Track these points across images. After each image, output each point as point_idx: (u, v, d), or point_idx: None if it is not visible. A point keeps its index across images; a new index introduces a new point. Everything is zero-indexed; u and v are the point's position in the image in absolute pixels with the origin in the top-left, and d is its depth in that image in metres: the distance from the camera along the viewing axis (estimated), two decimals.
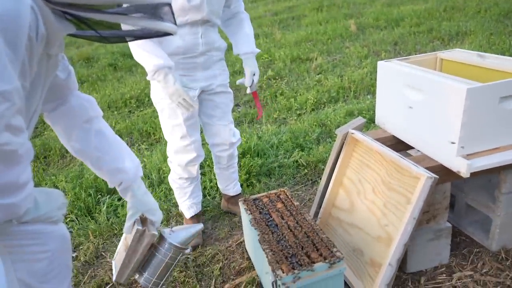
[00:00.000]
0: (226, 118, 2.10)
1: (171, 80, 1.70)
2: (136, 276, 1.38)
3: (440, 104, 1.61)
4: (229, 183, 2.33)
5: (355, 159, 1.98)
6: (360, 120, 2.13)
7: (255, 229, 1.70)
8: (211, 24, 1.85)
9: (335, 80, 4.60)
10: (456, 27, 6.12)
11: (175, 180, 2.12)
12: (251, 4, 11.18)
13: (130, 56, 6.76)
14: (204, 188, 2.64)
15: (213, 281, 1.90)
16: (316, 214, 2.12)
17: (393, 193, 1.70)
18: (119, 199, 2.61)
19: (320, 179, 2.16)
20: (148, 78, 1.74)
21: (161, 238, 1.36)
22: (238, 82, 2.10)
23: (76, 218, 2.50)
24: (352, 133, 1.97)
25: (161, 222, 2.34)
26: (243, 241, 2.10)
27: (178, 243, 1.36)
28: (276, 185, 2.68)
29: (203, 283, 1.90)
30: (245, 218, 1.87)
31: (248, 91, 2.09)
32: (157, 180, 2.78)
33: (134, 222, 1.33)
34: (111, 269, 2.04)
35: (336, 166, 2.03)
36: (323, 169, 2.29)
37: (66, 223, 2.48)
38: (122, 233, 1.42)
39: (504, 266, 1.77)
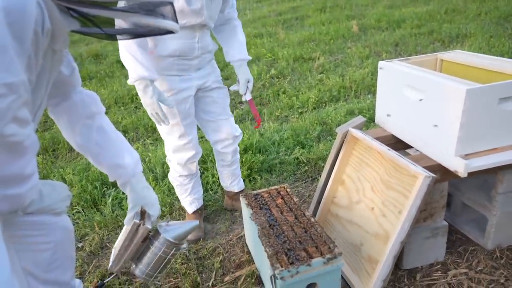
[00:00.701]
0: (226, 112, 2.08)
1: (149, 93, 1.69)
2: (132, 267, 1.39)
3: (439, 104, 1.58)
4: (233, 180, 2.30)
5: (355, 157, 1.96)
6: (360, 119, 2.11)
7: (255, 223, 1.69)
8: (207, 28, 1.83)
9: (336, 80, 4.57)
10: (456, 29, 6.06)
11: (175, 178, 2.10)
12: (256, 4, 11.12)
13: None
14: (206, 183, 2.63)
15: (214, 273, 1.89)
16: (315, 210, 2.10)
17: (391, 192, 1.68)
18: (124, 192, 2.60)
19: (320, 176, 2.15)
20: (128, 82, 1.73)
21: (157, 232, 1.36)
22: (231, 88, 2.07)
23: (82, 210, 2.50)
24: (352, 132, 1.95)
25: (164, 216, 2.35)
26: (244, 235, 2.09)
27: (172, 238, 1.35)
28: (277, 181, 2.67)
29: (203, 275, 1.89)
30: (246, 212, 1.86)
31: (244, 98, 2.07)
32: (161, 174, 2.78)
33: (134, 214, 1.33)
34: None
35: (336, 163, 2.01)
36: (323, 167, 2.27)
37: (73, 214, 2.48)
38: None
39: (499, 264, 1.75)
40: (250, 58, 2.06)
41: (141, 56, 1.64)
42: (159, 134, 3.64)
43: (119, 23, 0.99)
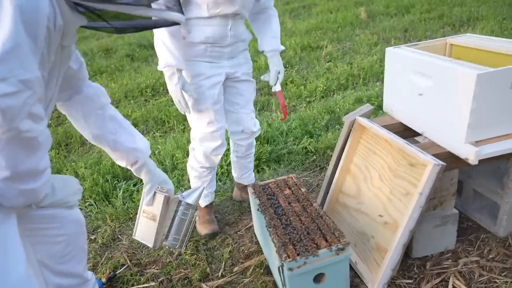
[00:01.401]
0: (249, 107, 2.04)
1: (174, 80, 1.72)
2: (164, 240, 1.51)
3: (449, 90, 1.52)
4: (245, 172, 2.27)
5: (362, 146, 1.91)
6: (367, 107, 2.05)
7: (263, 214, 1.66)
8: (240, 17, 1.79)
9: (344, 68, 4.48)
10: (467, 13, 5.87)
11: (195, 168, 2.03)
12: None
13: (146, 47, 6.75)
14: (216, 174, 2.61)
15: (223, 264, 1.88)
16: (324, 200, 2.07)
17: (399, 180, 1.63)
18: (134, 184, 2.61)
19: (328, 165, 2.10)
20: (158, 68, 1.75)
21: (178, 202, 1.51)
22: (262, 78, 2.04)
23: (95, 203, 2.51)
24: (359, 120, 1.89)
25: None
26: (252, 225, 2.08)
27: (192, 202, 1.51)
28: (285, 171, 2.64)
29: (213, 266, 1.88)
30: (253, 203, 1.83)
31: (274, 89, 2.02)
32: (170, 166, 2.77)
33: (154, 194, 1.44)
34: (127, 251, 2.05)
35: (343, 152, 1.96)
36: (331, 156, 2.23)
37: (85, 207, 2.50)
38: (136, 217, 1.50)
39: (511, 252, 1.70)
40: (283, 48, 2.01)
41: (171, 44, 1.66)
42: (168, 127, 3.65)
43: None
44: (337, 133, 2.96)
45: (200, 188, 1.59)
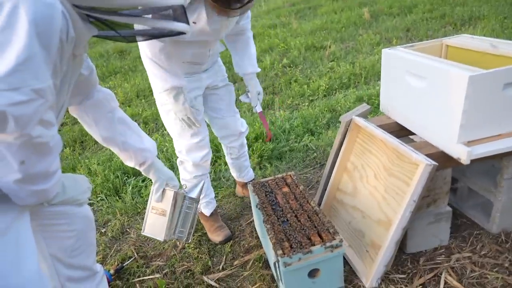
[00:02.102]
0: (232, 110, 2.01)
1: (181, 99, 1.66)
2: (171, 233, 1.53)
3: (442, 91, 1.48)
4: (243, 171, 2.25)
5: (359, 145, 1.89)
6: (364, 107, 2.02)
7: (261, 211, 1.65)
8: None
9: (347, 67, 4.42)
10: (469, 12, 5.72)
11: (188, 180, 1.95)
12: None
13: None
14: (219, 171, 2.62)
15: (224, 257, 1.88)
16: (322, 196, 2.05)
17: (393, 179, 1.60)
18: (143, 180, 2.62)
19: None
20: (159, 92, 1.69)
21: (183, 197, 1.54)
22: (241, 98, 2.00)
23: (106, 197, 2.53)
24: (356, 120, 1.86)
25: None
26: (253, 221, 2.07)
27: (196, 196, 1.55)
28: (286, 168, 2.62)
29: (215, 259, 1.89)
30: (253, 200, 1.83)
31: (255, 110, 2.00)
32: (177, 164, 2.77)
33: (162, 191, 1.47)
34: (134, 244, 2.06)
35: (340, 151, 1.94)
36: None
37: (97, 201, 2.52)
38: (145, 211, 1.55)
39: (504, 248, 1.66)
40: (260, 70, 1.97)
41: (168, 64, 1.60)
42: None
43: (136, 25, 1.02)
44: (337, 131, 2.91)
45: (201, 183, 1.61)
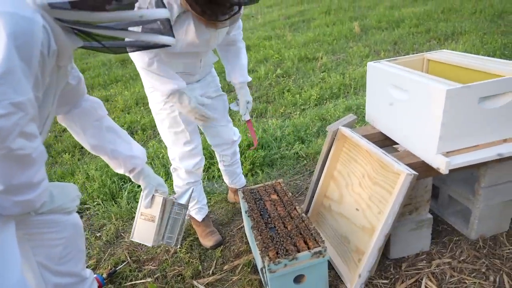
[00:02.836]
0: (225, 119, 1.98)
1: (186, 100, 1.59)
2: (159, 239, 1.50)
3: (422, 104, 1.48)
4: (235, 178, 2.23)
5: (345, 154, 1.88)
6: (351, 117, 2.02)
7: (249, 217, 1.64)
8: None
9: (337, 78, 4.43)
10: (452, 28, 5.77)
11: (181, 186, 1.92)
12: (267, 9, 10.90)
13: None
14: (212, 177, 2.60)
15: (214, 262, 1.85)
16: (310, 203, 2.03)
17: (377, 187, 1.59)
18: (139, 186, 2.59)
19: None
20: (163, 99, 1.66)
21: (172, 203, 1.51)
22: (231, 106, 1.98)
23: (102, 202, 2.50)
24: (342, 130, 1.86)
25: None
26: (243, 226, 2.05)
27: (185, 202, 1.52)
28: (277, 175, 2.61)
29: (205, 264, 1.86)
30: (243, 206, 1.81)
31: (243, 119, 1.99)
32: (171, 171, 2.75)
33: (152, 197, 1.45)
34: (128, 248, 2.03)
35: (327, 160, 1.93)
36: None
37: (94, 206, 2.49)
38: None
39: (481, 254, 1.65)
40: (250, 79, 1.95)
41: (163, 71, 1.53)
42: None
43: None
44: None
45: (190, 190, 1.57)
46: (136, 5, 0.93)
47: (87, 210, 2.48)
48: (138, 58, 1.53)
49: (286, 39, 6.83)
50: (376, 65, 1.82)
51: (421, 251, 1.73)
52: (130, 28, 0.97)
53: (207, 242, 1.96)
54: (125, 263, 1.91)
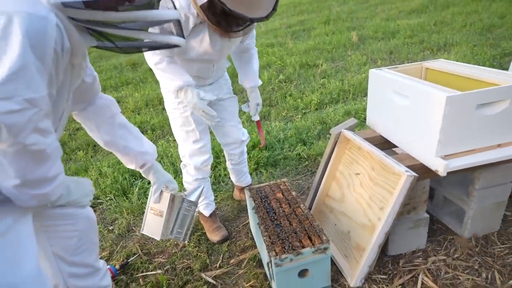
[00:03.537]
0: (235, 119, 1.99)
1: (189, 95, 1.57)
2: (169, 233, 1.48)
3: (422, 109, 1.48)
4: (241, 176, 2.23)
5: (347, 156, 1.88)
6: (352, 121, 2.02)
7: (256, 214, 1.64)
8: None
9: (336, 84, 4.44)
10: (444, 39, 5.79)
11: (190, 182, 1.93)
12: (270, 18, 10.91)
13: None
14: (219, 176, 2.59)
15: (221, 256, 1.85)
16: (312, 202, 2.03)
17: (378, 188, 1.60)
18: (149, 182, 2.59)
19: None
20: (173, 95, 1.67)
21: (182, 199, 1.50)
22: (242, 108, 1.99)
23: (114, 198, 2.50)
24: (345, 133, 1.86)
25: None
26: (248, 223, 2.05)
27: (194, 199, 1.50)
28: (280, 175, 2.61)
29: (212, 258, 1.86)
30: (249, 204, 1.81)
31: (253, 119, 2.01)
32: (180, 168, 2.75)
33: (160, 193, 1.43)
34: (139, 241, 2.03)
35: (330, 161, 1.93)
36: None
37: (106, 201, 2.49)
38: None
39: (474, 252, 1.65)
40: (261, 83, 1.96)
41: (171, 68, 1.53)
42: None
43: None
44: (327, 142, 2.91)
45: (200, 188, 1.57)
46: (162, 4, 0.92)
47: (100, 205, 2.48)
48: (149, 57, 1.54)
49: (288, 47, 6.84)
50: (378, 72, 1.82)
51: (417, 249, 1.73)
52: (141, 29, 0.96)
53: (214, 237, 1.96)
54: (136, 255, 1.91)
